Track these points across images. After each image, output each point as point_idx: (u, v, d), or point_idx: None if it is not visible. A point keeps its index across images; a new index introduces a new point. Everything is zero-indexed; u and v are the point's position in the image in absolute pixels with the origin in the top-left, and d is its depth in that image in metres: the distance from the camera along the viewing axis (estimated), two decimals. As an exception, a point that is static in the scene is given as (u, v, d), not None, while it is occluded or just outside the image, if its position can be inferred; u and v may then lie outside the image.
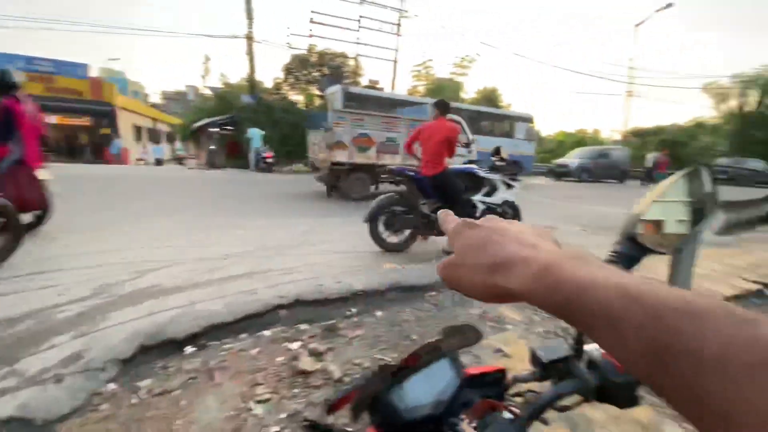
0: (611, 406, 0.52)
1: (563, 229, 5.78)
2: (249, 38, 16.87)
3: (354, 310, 2.66)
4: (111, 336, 2.08)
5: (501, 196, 4.13)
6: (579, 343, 0.54)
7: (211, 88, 24.72)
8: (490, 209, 4.13)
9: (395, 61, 19.92)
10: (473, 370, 0.59)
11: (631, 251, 0.52)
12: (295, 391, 1.83)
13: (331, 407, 0.55)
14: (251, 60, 16.81)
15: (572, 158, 17.22)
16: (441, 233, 4.00)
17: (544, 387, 0.53)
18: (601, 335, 0.22)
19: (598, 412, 1.84)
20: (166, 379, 1.84)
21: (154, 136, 27.59)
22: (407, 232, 3.97)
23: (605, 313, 0.21)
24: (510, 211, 4.44)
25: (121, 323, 2.22)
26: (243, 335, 2.25)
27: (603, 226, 6.18)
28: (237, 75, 29.18)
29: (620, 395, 0.50)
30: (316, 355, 2.08)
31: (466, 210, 3.99)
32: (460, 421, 0.49)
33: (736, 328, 0.17)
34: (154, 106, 38.28)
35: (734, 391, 0.16)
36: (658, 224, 0.54)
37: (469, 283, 0.30)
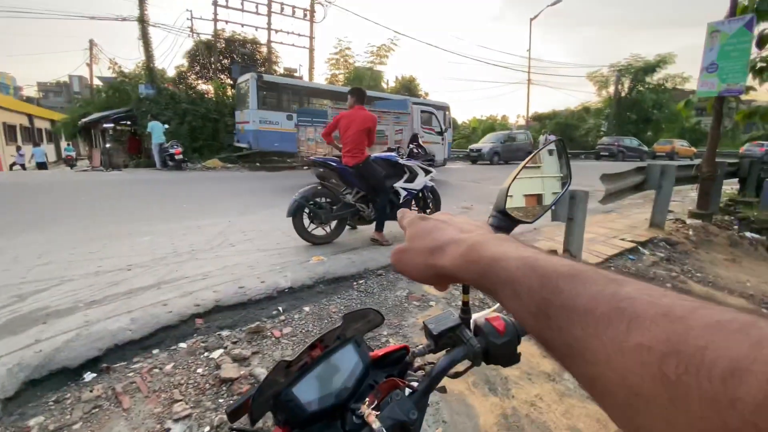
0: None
1: (478, 208, 6.23)
2: (142, 21, 14.97)
3: (281, 308, 2.57)
4: (-19, 375, 1.74)
5: (421, 181, 4.28)
6: (466, 312, 0.58)
7: (102, 78, 21.49)
8: (412, 195, 4.26)
9: (311, 49, 19.31)
10: (378, 351, 0.60)
11: (502, 223, 0.57)
12: (220, 401, 1.73)
13: (232, 414, 0.52)
14: (147, 46, 14.96)
15: (484, 143, 18.53)
16: (366, 222, 4.06)
17: (440, 358, 0.56)
18: (506, 299, 0.25)
19: (513, 370, 2.04)
20: (62, 413, 1.60)
21: (32, 136, 23.40)
22: (333, 223, 3.93)
23: (510, 279, 0.24)
24: (430, 196, 4.65)
25: (0, 357, 1.87)
26: (155, 351, 2.05)
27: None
28: (131, 63, 25.69)
29: (502, 355, 0.54)
30: (241, 360, 1.98)
31: (390, 197, 4.07)
32: (361, 405, 0.49)
33: (602, 285, 0.20)
34: (28, 100, 32.39)
35: (593, 334, 0.19)
36: (522, 197, 0.60)
37: (413, 265, 0.34)
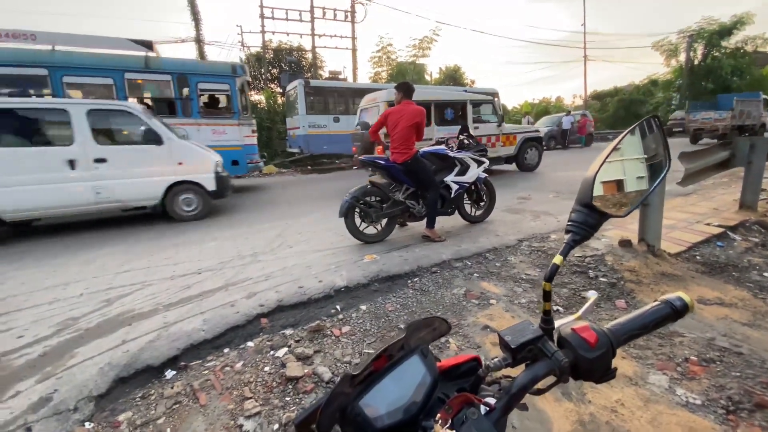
0: None
1: (537, 197, 5.90)
2: (198, 41, 16.14)
3: (338, 307, 2.61)
4: (81, 373, 1.95)
5: (473, 173, 4.13)
6: (547, 322, 0.51)
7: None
8: (463, 188, 4.13)
9: (354, 50, 19.56)
10: (446, 362, 0.56)
11: (587, 218, 0.50)
12: (287, 399, 1.78)
13: (300, 425, 0.50)
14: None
15: (539, 127, 17.57)
16: (418, 218, 4.00)
17: (519, 371, 0.50)
18: None
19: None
20: (148, 409, 1.75)
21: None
22: (384, 221, 3.93)
23: None
24: (484, 188, 4.48)
25: (92, 357, 2.09)
26: (226, 350, 2.17)
27: (573, 191, 6.34)
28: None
29: (594, 370, 0.48)
30: (304, 359, 2.03)
31: (440, 192, 3.97)
32: (434, 422, 0.45)
33: None
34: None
35: None
36: (613, 186, 0.52)
37: None
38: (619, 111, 26.74)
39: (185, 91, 7.40)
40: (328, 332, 2.30)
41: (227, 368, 2.00)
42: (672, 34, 25.17)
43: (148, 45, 7.39)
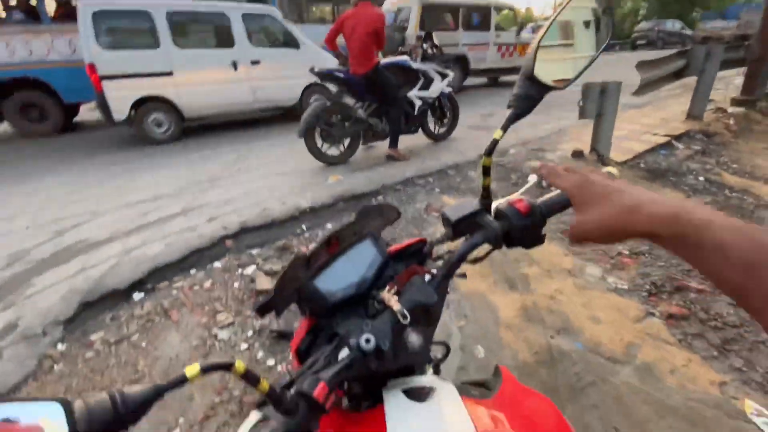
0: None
1: (500, 114, 5.89)
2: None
3: (304, 227, 2.65)
4: (43, 300, 1.93)
5: (437, 87, 3.97)
6: (486, 197, 0.54)
7: None
8: (427, 104, 4.01)
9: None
10: (396, 246, 0.59)
11: (529, 91, 0.50)
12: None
13: (259, 310, 0.53)
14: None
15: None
16: (381, 137, 3.91)
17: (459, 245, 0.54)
18: (710, 259, 0.27)
19: (532, 268, 2.08)
20: (120, 329, 1.79)
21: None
22: (347, 141, 3.80)
23: (720, 242, 0.27)
24: (448, 104, 4.34)
25: (52, 285, 2.06)
26: (192, 271, 2.19)
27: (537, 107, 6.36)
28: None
29: (526, 236, 0.52)
30: (273, 274, 2.10)
31: (404, 108, 3.84)
32: (383, 291, 0.50)
33: None
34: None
35: None
36: (556, 54, 0.52)
37: (603, 227, 0.35)
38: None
39: None
40: (296, 249, 2.35)
41: (196, 287, 2.05)
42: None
43: None
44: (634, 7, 25.60)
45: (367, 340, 0.42)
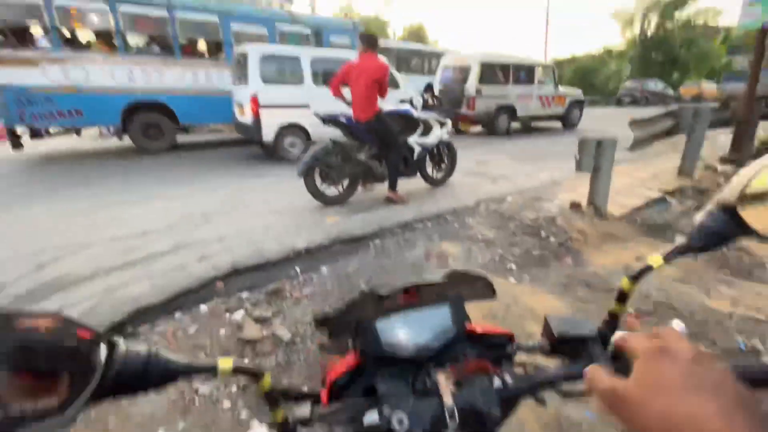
0: None
1: (494, 161, 6.02)
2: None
3: (298, 269, 2.55)
4: (11, 342, 1.78)
5: (436, 135, 4.08)
6: (610, 325, 0.46)
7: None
8: (426, 150, 4.08)
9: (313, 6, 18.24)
10: (479, 327, 0.52)
11: (723, 226, 0.41)
12: (245, 361, 1.74)
13: (317, 322, 0.50)
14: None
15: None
16: (380, 180, 3.93)
17: (553, 363, 0.47)
18: None
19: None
20: (92, 377, 1.64)
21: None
22: (346, 182, 3.82)
23: None
24: (446, 150, 4.45)
25: (24, 325, 1.91)
26: (177, 314, 2.06)
27: (529, 156, 6.53)
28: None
29: None
30: (262, 321, 1.98)
31: (403, 152, 3.90)
32: (441, 373, 0.43)
33: None
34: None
35: None
36: None
37: (643, 424, 0.25)
38: (574, 78, 27.54)
39: (320, 41, 8.26)
40: (288, 294, 2.25)
41: (179, 333, 1.91)
42: (631, 3, 25.76)
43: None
44: (618, 67, 27.33)
45: (401, 421, 0.37)
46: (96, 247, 2.83)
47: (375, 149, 3.77)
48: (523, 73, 9.42)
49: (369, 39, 3.57)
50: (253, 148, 6.89)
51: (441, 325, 0.48)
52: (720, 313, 2.08)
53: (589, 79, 26.15)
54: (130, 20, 6.42)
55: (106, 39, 6.64)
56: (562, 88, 10.28)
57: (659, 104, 19.73)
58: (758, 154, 4.58)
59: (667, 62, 24.95)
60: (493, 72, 9.00)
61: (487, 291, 0.54)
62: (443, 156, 4.47)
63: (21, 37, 6.08)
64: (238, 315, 2.04)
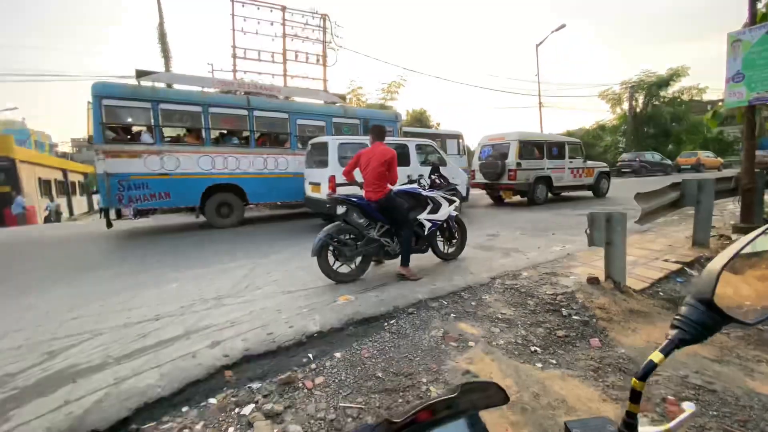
0: None
1: (504, 235, 6.05)
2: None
3: (311, 355, 2.45)
4: (10, 445, 1.68)
5: (445, 211, 4.20)
6: (630, 426, 0.47)
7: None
8: (436, 226, 4.16)
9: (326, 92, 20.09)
10: None
11: (703, 318, 0.43)
12: (253, 465, 1.60)
13: None
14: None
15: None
16: (392, 256, 3.96)
17: None
18: None
19: (570, 417, 1.82)
20: (89, 486, 1.51)
21: (66, 189, 24.76)
22: (358, 259, 3.86)
23: None
24: (456, 226, 4.54)
25: (27, 422, 1.81)
26: (184, 409, 1.95)
27: (538, 228, 6.57)
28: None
29: None
30: (273, 416, 1.86)
31: (414, 229, 4.00)
32: None
33: None
34: (63, 155, 34.63)
35: None
36: (743, 287, 0.44)
37: None
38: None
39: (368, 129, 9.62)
40: (300, 384, 2.13)
41: (186, 431, 1.79)
42: (615, 85, 27.87)
43: (342, 97, 10.66)
44: (613, 141, 28.64)
45: None
46: (107, 334, 2.79)
47: (386, 226, 3.88)
48: (556, 149, 10.63)
49: (377, 130, 3.98)
50: (315, 220, 8.33)
51: None
52: (766, 397, 1.91)
53: (587, 152, 27.24)
54: (216, 119, 7.86)
55: (196, 132, 7.83)
56: (589, 162, 11.58)
57: (660, 173, 20.30)
58: (770, 220, 4.53)
59: (659, 134, 26.18)
60: (529, 148, 10.15)
61: (499, 397, 0.54)
62: (453, 231, 4.55)
63: (128, 133, 7.38)
64: (248, 409, 1.92)
